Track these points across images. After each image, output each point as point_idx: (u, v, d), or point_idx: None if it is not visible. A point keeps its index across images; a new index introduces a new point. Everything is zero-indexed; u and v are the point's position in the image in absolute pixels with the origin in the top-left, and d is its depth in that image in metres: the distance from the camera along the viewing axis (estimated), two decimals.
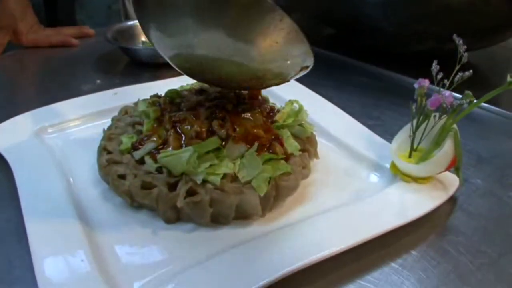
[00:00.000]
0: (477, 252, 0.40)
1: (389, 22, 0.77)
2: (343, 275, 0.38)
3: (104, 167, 0.46)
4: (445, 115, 0.44)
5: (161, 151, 0.44)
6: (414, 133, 0.47)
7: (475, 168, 0.52)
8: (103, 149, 0.48)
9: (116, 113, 0.55)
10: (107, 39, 0.83)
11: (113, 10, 1.22)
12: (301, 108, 0.53)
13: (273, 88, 0.50)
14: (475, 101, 0.43)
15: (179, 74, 0.52)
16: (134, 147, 0.46)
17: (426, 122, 0.46)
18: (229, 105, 0.49)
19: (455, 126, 0.44)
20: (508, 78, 0.41)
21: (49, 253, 0.37)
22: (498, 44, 0.84)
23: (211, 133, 0.46)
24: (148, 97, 0.55)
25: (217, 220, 0.42)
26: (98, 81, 0.77)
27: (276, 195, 0.43)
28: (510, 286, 0.37)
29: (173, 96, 0.53)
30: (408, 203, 0.43)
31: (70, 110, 0.60)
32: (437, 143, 0.45)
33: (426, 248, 0.41)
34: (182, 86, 0.58)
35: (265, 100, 0.54)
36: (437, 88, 0.44)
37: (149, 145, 0.45)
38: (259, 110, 0.50)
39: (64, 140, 0.56)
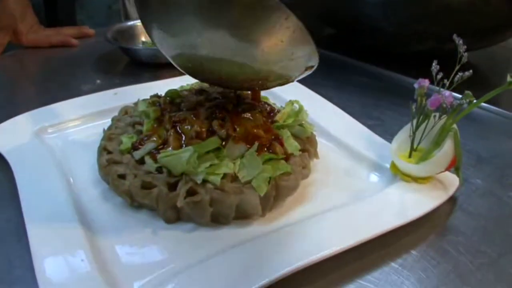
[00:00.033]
0: (477, 252, 0.40)
1: (389, 22, 0.77)
2: (343, 275, 0.38)
3: (104, 167, 0.46)
4: (445, 115, 0.44)
5: (161, 151, 0.44)
6: (414, 133, 0.47)
7: (475, 168, 0.52)
8: (103, 149, 0.48)
9: (116, 113, 0.55)
10: (107, 39, 0.83)
11: (113, 10, 1.22)
12: (301, 108, 0.53)
13: (274, 88, 0.50)
14: (475, 101, 0.43)
15: (179, 74, 0.52)
16: (134, 147, 0.46)
17: (426, 122, 0.46)
18: (229, 105, 0.49)
19: (455, 126, 0.44)
20: (508, 78, 0.41)
21: (49, 253, 0.37)
22: (498, 44, 0.84)
23: (211, 133, 0.46)
24: (148, 97, 0.55)
25: (217, 220, 0.42)
26: (98, 81, 0.77)
27: (276, 195, 0.44)
28: (510, 286, 0.37)
29: (173, 96, 0.53)
30: (408, 203, 0.43)
31: (70, 110, 0.60)
32: (437, 143, 0.45)
33: (426, 248, 0.41)
34: (182, 86, 0.58)
35: (266, 102, 0.54)
36: (437, 88, 0.44)
37: (149, 145, 0.45)
38: (259, 110, 0.50)
39: (64, 140, 0.56)
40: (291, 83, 0.49)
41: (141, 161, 0.45)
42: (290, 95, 0.58)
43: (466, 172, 0.51)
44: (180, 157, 0.42)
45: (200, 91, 0.54)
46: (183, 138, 0.45)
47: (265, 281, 0.34)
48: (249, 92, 0.53)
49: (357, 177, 0.50)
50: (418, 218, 0.42)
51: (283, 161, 0.45)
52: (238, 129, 0.46)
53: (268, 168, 0.43)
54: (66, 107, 0.61)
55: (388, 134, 0.55)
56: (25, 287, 0.36)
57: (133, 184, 0.43)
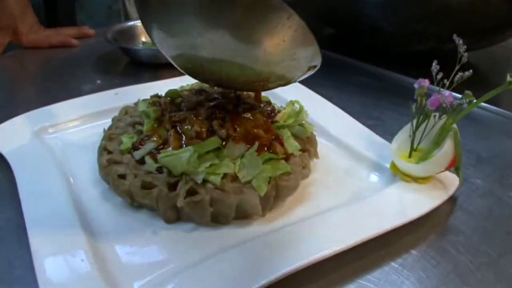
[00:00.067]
0: (477, 251, 0.40)
1: (389, 22, 0.77)
2: (343, 275, 0.38)
3: (105, 167, 0.46)
4: (445, 115, 0.44)
5: (161, 151, 0.44)
6: (414, 133, 0.47)
7: (475, 168, 0.52)
8: (103, 149, 0.48)
9: (116, 113, 0.55)
10: (107, 40, 0.84)
11: (113, 11, 1.22)
12: (301, 108, 0.53)
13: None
14: (474, 101, 0.43)
15: (179, 74, 0.52)
16: (135, 147, 0.46)
17: (426, 122, 0.46)
18: (229, 105, 0.49)
19: (455, 126, 0.44)
20: (508, 78, 0.41)
21: (49, 253, 0.37)
22: (498, 44, 0.84)
23: (211, 133, 0.46)
24: (148, 97, 0.55)
25: (217, 220, 0.42)
26: (98, 81, 0.77)
27: (276, 195, 0.44)
28: (510, 286, 0.37)
29: (173, 96, 0.53)
30: (408, 203, 0.43)
31: (70, 110, 0.60)
32: (437, 143, 0.45)
33: (426, 247, 0.41)
34: (182, 86, 0.58)
35: (267, 102, 0.54)
36: (437, 88, 0.44)
37: (150, 145, 0.45)
38: (260, 110, 0.50)
39: (64, 140, 0.56)
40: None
41: (141, 161, 0.45)
42: (290, 95, 0.58)
43: (466, 172, 0.51)
44: (180, 157, 0.42)
45: (200, 91, 0.54)
46: (183, 138, 0.45)
47: (265, 281, 0.34)
48: (250, 92, 0.53)
49: (357, 177, 0.50)
50: (418, 218, 0.42)
51: (283, 161, 0.45)
52: (238, 129, 0.46)
53: (268, 168, 0.43)
54: (66, 107, 0.61)
55: (388, 134, 0.55)
56: (25, 287, 0.36)
57: (133, 184, 0.43)
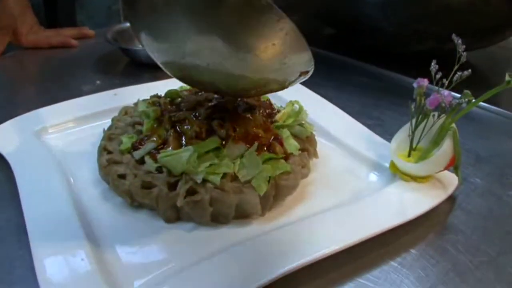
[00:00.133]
0: (476, 251, 0.40)
1: (389, 22, 0.77)
2: (343, 274, 0.38)
3: (104, 167, 0.46)
4: (444, 115, 0.45)
5: (161, 151, 0.44)
6: (413, 132, 0.47)
7: (474, 167, 0.52)
8: (103, 149, 0.48)
9: (116, 114, 0.55)
10: (107, 40, 0.83)
11: (113, 11, 1.22)
12: (301, 108, 0.53)
13: None
14: (473, 100, 0.43)
15: None
16: (134, 147, 0.46)
17: (425, 121, 0.46)
18: (228, 105, 0.50)
19: (454, 125, 0.44)
20: (507, 77, 0.41)
21: (49, 252, 0.37)
22: (498, 44, 0.84)
23: (210, 133, 0.46)
24: (148, 98, 0.55)
25: (217, 219, 0.42)
26: (98, 82, 0.77)
27: (276, 194, 0.44)
28: (509, 285, 0.37)
29: (173, 96, 0.54)
30: (407, 202, 0.43)
31: (70, 110, 0.60)
32: (436, 142, 0.45)
33: (425, 246, 0.41)
34: (182, 87, 0.58)
35: (267, 102, 0.54)
36: (436, 87, 0.44)
37: (149, 145, 0.46)
38: (259, 110, 0.50)
39: (64, 140, 0.56)
40: None
41: (141, 161, 0.45)
42: (290, 95, 0.58)
43: (465, 171, 0.51)
44: (180, 157, 0.42)
45: (199, 91, 0.54)
46: (183, 138, 0.45)
47: (265, 280, 0.34)
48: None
49: (356, 177, 0.50)
50: (418, 217, 0.42)
51: (282, 161, 0.45)
52: (237, 129, 0.46)
53: (267, 167, 0.43)
54: (66, 107, 0.61)
55: (387, 134, 0.55)
56: (25, 287, 0.36)
57: (133, 184, 0.43)
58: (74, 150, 0.53)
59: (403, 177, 0.46)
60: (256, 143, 0.45)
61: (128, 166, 0.45)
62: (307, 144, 0.50)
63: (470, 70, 0.43)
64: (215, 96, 0.52)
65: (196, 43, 0.39)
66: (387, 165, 0.49)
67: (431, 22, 0.74)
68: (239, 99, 0.52)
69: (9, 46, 0.94)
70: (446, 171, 0.46)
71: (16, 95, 0.74)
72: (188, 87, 0.58)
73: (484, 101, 0.44)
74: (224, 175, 0.42)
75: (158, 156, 0.43)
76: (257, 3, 0.34)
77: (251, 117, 0.48)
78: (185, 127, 0.46)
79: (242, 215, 0.43)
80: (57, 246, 0.38)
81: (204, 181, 0.42)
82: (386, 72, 0.80)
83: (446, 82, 0.44)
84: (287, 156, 0.46)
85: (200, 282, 0.35)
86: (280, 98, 0.59)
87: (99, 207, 0.45)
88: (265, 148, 0.46)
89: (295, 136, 0.50)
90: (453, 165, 0.45)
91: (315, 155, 0.51)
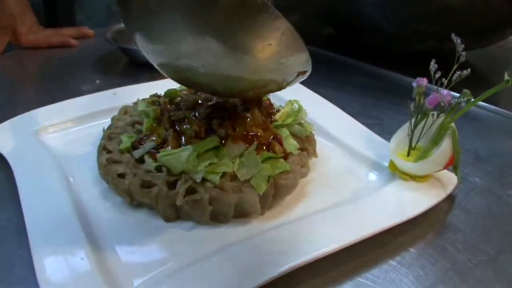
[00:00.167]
0: (476, 250, 0.41)
1: (389, 22, 0.77)
2: (342, 273, 0.38)
3: (104, 166, 0.46)
4: (443, 114, 0.45)
5: (160, 150, 0.44)
6: (412, 131, 0.47)
7: (473, 167, 0.52)
8: (103, 149, 0.48)
9: (115, 113, 0.55)
10: (106, 40, 0.84)
11: (112, 11, 1.22)
12: (300, 107, 0.53)
13: None
14: (472, 99, 0.43)
15: None
16: (134, 146, 0.46)
17: (424, 120, 0.46)
18: (228, 104, 0.50)
19: (453, 124, 0.44)
20: (505, 77, 0.41)
21: (49, 252, 0.37)
22: (497, 43, 0.84)
23: (210, 132, 0.46)
24: (148, 97, 0.55)
25: (217, 218, 0.42)
26: (98, 81, 0.77)
27: (275, 193, 0.44)
28: (508, 284, 0.37)
29: (173, 96, 0.54)
30: (407, 201, 0.44)
31: (70, 110, 0.60)
32: (435, 141, 0.45)
33: (424, 246, 0.41)
34: (181, 86, 0.58)
35: (266, 101, 0.54)
36: (435, 87, 0.44)
37: (149, 144, 0.46)
38: (258, 109, 0.50)
39: (64, 140, 0.56)
40: None
41: (141, 160, 0.45)
42: (289, 95, 0.58)
43: (465, 171, 0.51)
44: (179, 156, 0.42)
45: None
46: (183, 137, 0.45)
47: (264, 278, 0.34)
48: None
49: (355, 176, 0.50)
50: (417, 216, 0.42)
51: (282, 160, 0.45)
52: (237, 129, 0.46)
53: (267, 166, 0.43)
54: (66, 107, 0.61)
55: (387, 133, 0.55)
56: (25, 287, 0.36)
57: (133, 183, 0.43)
58: (73, 150, 0.53)
59: (402, 176, 0.46)
60: (255, 143, 0.45)
61: (127, 165, 0.45)
62: (307, 143, 0.50)
63: (469, 70, 0.43)
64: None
65: (190, 44, 0.39)
66: (386, 164, 0.49)
67: (431, 22, 0.74)
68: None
69: (9, 45, 0.94)
70: (445, 170, 0.46)
71: (15, 95, 0.74)
72: None
73: (483, 101, 0.44)
74: (224, 174, 0.42)
75: (158, 155, 0.43)
76: (253, 3, 0.34)
77: (250, 117, 0.48)
78: (185, 126, 0.46)
79: (241, 214, 0.43)
80: (57, 245, 0.38)
81: (204, 180, 0.42)
82: (386, 72, 0.80)
83: (445, 81, 0.44)
84: (286, 156, 0.46)
85: (199, 281, 0.35)
86: (279, 98, 0.59)
87: (98, 206, 0.45)
88: (264, 148, 0.46)
89: (295, 135, 0.50)
90: (452, 164, 0.45)
91: (315, 154, 0.51)
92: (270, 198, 0.43)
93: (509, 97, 0.70)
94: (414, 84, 0.46)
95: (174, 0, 0.36)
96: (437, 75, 0.44)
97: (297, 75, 0.42)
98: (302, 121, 0.52)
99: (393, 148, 0.48)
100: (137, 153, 0.45)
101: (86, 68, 0.84)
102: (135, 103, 0.55)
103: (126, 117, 0.53)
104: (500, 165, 0.53)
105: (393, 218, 0.41)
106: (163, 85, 0.58)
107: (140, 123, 0.50)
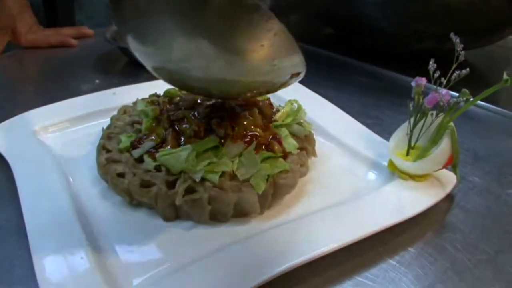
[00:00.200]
0: (475, 249, 0.41)
1: (389, 22, 0.77)
2: (341, 272, 0.38)
3: (103, 166, 0.46)
4: (442, 113, 0.45)
5: (159, 149, 0.44)
6: (411, 131, 0.47)
7: (472, 166, 0.53)
8: (102, 148, 0.48)
9: (115, 113, 0.55)
10: (106, 39, 0.84)
11: None
12: (299, 107, 0.53)
13: None
14: (471, 99, 0.43)
15: None
16: (133, 146, 0.46)
17: (423, 120, 0.46)
18: (227, 104, 0.50)
19: (452, 124, 0.44)
20: (504, 76, 0.41)
21: (49, 252, 0.37)
22: (496, 43, 0.84)
23: (209, 131, 0.46)
24: (147, 97, 0.55)
25: (216, 217, 0.42)
26: (97, 81, 0.77)
27: (274, 193, 0.44)
28: (507, 283, 0.37)
29: (172, 95, 0.54)
30: (406, 201, 0.44)
31: (70, 109, 0.60)
32: (434, 141, 0.45)
33: (423, 245, 0.41)
34: None
35: (266, 101, 0.54)
36: (435, 86, 0.44)
37: (148, 144, 0.46)
38: (258, 109, 0.50)
39: (63, 139, 0.56)
40: None
41: (140, 160, 0.45)
42: (289, 95, 0.58)
43: (464, 170, 0.51)
44: (178, 155, 0.42)
45: None
46: (182, 137, 0.45)
47: (264, 278, 0.34)
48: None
49: (355, 175, 0.50)
50: (416, 216, 0.42)
51: (281, 159, 0.45)
52: (236, 128, 0.46)
53: (266, 166, 0.43)
54: (66, 106, 0.61)
55: (386, 133, 0.55)
56: (25, 287, 0.36)
57: (132, 183, 0.43)
58: (73, 149, 0.53)
59: (402, 175, 0.46)
60: (254, 142, 0.45)
61: (127, 165, 0.45)
62: (306, 143, 0.50)
63: (468, 69, 0.43)
64: None
65: (181, 45, 0.38)
66: (386, 163, 0.49)
67: (431, 22, 0.74)
68: None
69: (9, 45, 0.94)
70: (444, 170, 0.46)
71: (15, 95, 0.74)
72: None
73: (482, 100, 0.44)
74: (223, 173, 0.42)
75: (157, 154, 0.43)
76: (244, 3, 0.33)
77: (249, 116, 0.48)
78: (184, 126, 0.46)
79: (240, 214, 0.43)
80: (57, 245, 0.38)
81: (203, 179, 0.42)
82: (386, 72, 0.80)
83: (444, 81, 0.44)
84: (285, 155, 0.46)
85: (199, 280, 0.35)
86: (279, 98, 0.59)
87: (98, 206, 0.45)
88: (263, 147, 0.46)
89: (294, 135, 0.50)
90: (452, 164, 0.45)
91: (314, 153, 0.51)
92: (269, 198, 0.43)
93: (508, 96, 0.70)
94: (413, 84, 0.46)
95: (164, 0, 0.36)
96: (436, 75, 0.44)
97: (291, 77, 0.42)
98: (301, 121, 0.52)
99: (392, 147, 0.48)
100: (136, 153, 0.45)
101: (86, 68, 0.84)
102: (135, 103, 0.55)
103: (126, 117, 0.53)
104: (499, 164, 0.53)
105: (392, 217, 0.41)
106: (163, 85, 0.58)
107: (140, 123, 0.50)
